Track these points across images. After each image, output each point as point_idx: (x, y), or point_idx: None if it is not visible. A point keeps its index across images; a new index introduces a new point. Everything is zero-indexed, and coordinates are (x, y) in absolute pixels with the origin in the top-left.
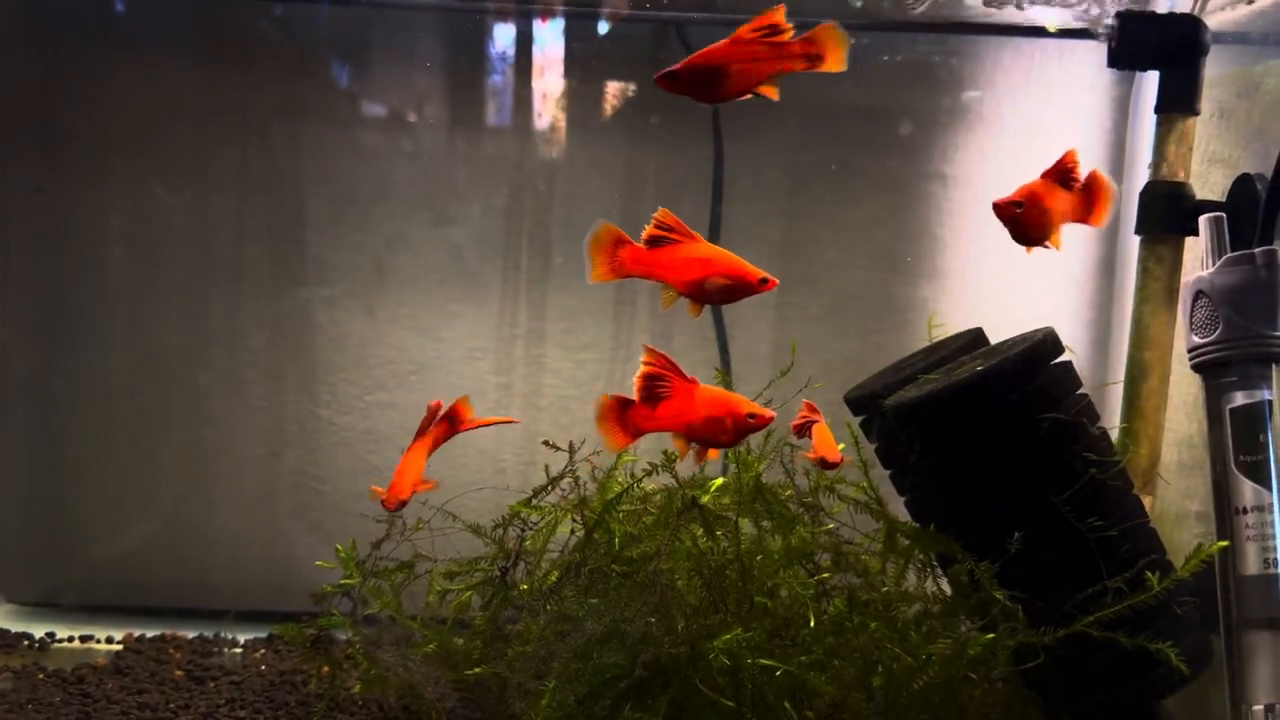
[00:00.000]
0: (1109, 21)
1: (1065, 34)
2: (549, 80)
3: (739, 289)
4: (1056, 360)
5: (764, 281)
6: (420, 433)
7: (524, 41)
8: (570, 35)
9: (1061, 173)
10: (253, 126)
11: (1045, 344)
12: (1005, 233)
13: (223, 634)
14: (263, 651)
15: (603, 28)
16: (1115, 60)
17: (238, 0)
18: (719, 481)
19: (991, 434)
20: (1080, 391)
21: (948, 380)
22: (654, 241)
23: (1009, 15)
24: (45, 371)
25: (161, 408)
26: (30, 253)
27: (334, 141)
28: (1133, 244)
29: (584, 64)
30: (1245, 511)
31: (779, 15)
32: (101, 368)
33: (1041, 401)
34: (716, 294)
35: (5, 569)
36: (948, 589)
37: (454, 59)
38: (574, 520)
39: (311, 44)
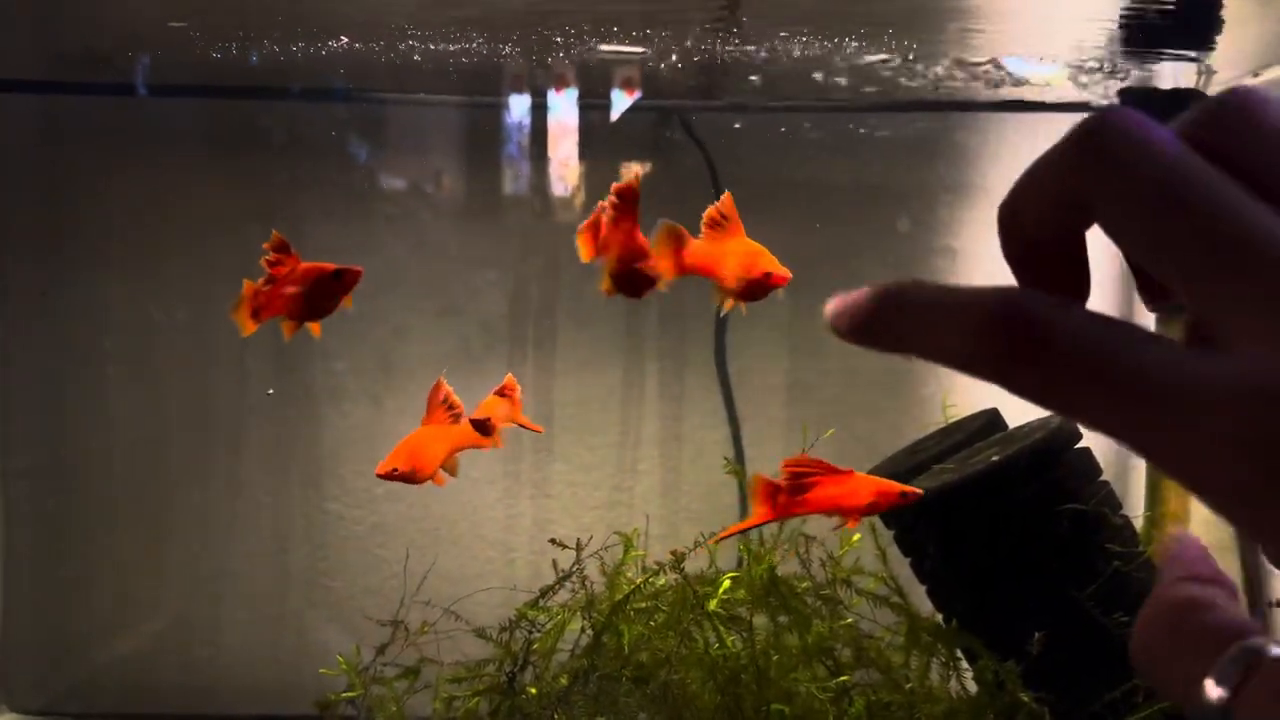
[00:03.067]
0: (1112, 98)
1: (1069, 108)
2: (553, 170)
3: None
4: (1074, 447)
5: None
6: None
7: (528, 132)
8: (576, 122)
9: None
10: (256, 222)
11: (1063, 431)
12: None
13: None
14: None
15: (614, 114)
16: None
17: (238, 98)
18: (727, 581)
19: (1009, 527)
20: (1101, 479)
21: (963, 471)
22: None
23: (1013, 91)
24: (47, 477)
25: (166, 506)
26: (33, 354)
27: (338, 235)
28: (1150, 319)
29: (588, 152)
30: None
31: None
32: (105, 468)
33: (1060, 492)
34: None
35: (9, 676)
36: (973, 685)
37: (459, 151)
38: (583, 620)
39: (314, 140)
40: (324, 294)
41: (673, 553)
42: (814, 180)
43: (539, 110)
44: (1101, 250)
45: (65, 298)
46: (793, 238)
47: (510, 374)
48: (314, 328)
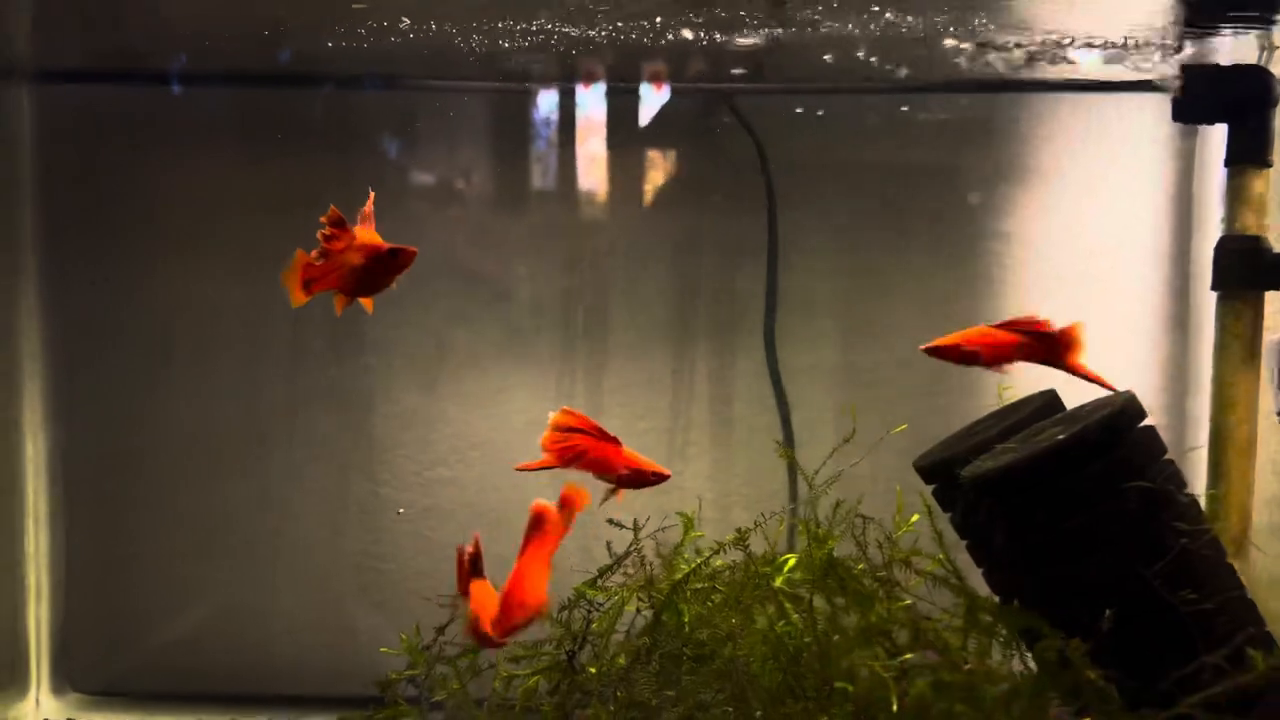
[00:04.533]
0: (1173, 74)
1: (1126, 86)
2: (604, 153)
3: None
4: (1139, 425)
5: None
6: (530, 541)
7: (577, 115)
8: (624, 107)
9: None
10: (307, 209)
11: (1128, 409)
12: (1073, 289)
13: None
14: None
15: (661, 98)
16: (1181, 114)
17: (285, 86)
18: (792, 559)
19: (1075, 505)
20: (1166, 457)
21: (1027, 450)
22: None
23: (1067, 70)
24: (107, 464)
25: (222, 492)
26: (90, 346)
27: (390, 220)
28: (1207, 300)
29: (638, 135)
30: None
31: None
32: (161, 455)
33: (1126, 470)
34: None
35: (71, 658)
36: (1033, 665)
37: (508, 135)
38: (640, 600)
39: (362, 126)
40: (378, 271)
41: (738, 530)
42: (865, 163)
43: (588, 98)
44: (1150, 297)
45: (119, 288)
46: (844, 222)
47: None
48: (367, 303)
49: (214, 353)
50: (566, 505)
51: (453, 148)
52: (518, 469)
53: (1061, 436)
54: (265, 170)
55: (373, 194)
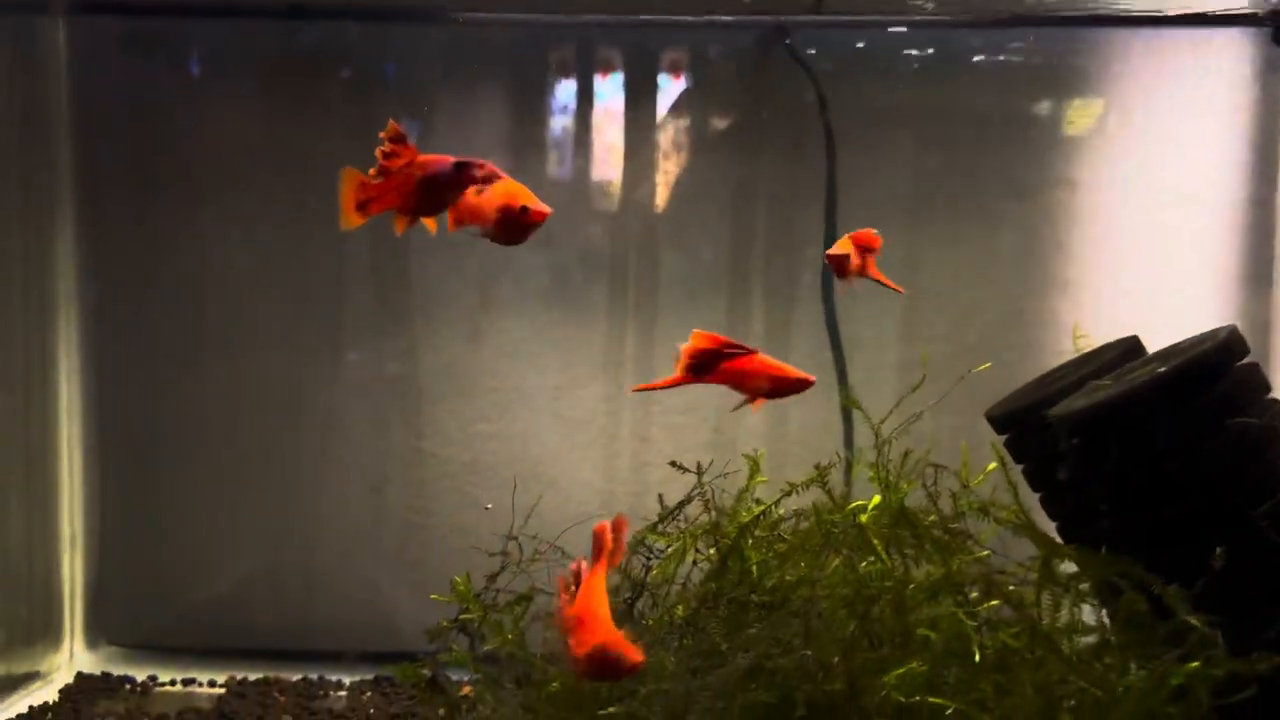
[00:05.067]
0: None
1: (1220, 20)
2: (655, 95)
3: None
4: (1242, 361)
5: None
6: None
7: (628, 55)
8: (677, 47)
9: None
10: (349, 155)
11: (1232, 343)
12: (1144, 240)
13: (326, 676)
14: (369, 694)
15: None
16: None
17: (326, 32)
18: (875, 500)
19: (1177, 442)
20: (1270, 396)
21: (1124, 385)
22: None
23: (1147, 2)
24: (142, 411)
25: (260, 446)
26: (126, 287)
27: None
28: None
29: (691, 77)
30: None
31: None
32: (200, 406)
33: (1233, 404)
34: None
35: (107, 612)
36: (1107, 623)
37: (556, 76)
38: (698, 550)
39: (406, 71)
40: (441, 187)
41: (816, 466)
42: (929, 107)
43: (637, 31)
44: (1231, 247)
45: (158, 227)
46: (906, 167)
47: None
48: (429, 223)
49: (254, 299)
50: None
51: (501, 89)
52: (637, 389)
53: (1163, 369)
54: (311, 109)
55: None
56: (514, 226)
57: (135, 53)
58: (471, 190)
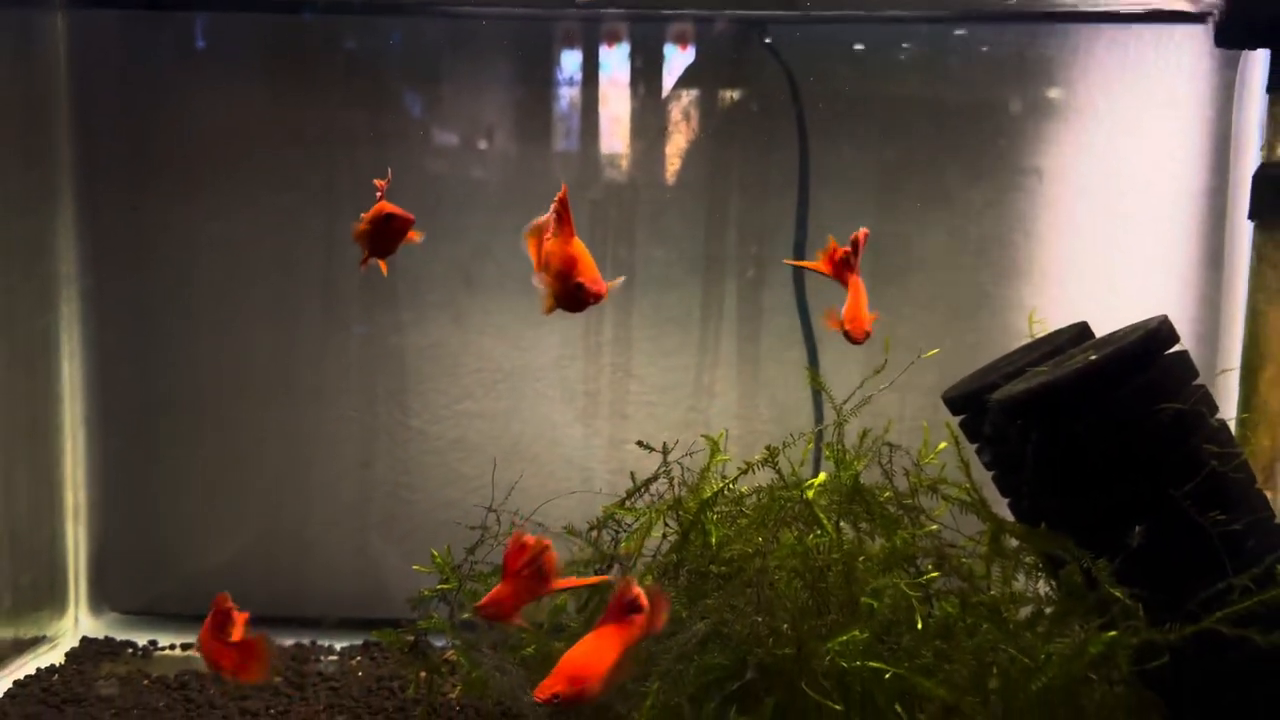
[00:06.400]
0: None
1: (1165, 16)
2: (632, 86)
3: None
4: (1172, 349)
5: None
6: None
7: (607, 47)
8: (653, 39)
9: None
10: (338, 143)
11: (1161, 332)
12: (1105, 228)
13: (318, 641)
14: (359, 659)
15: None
16: (1223, 38)
17: (318, 21)
18: (822, 477)
19: (1107, 426)
20: (1197, 381)
21: (1059, 371)
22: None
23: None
24: (141, 388)
25: (254, 422)
26: (124, 270)
27: (418, 154)
28: (1243, 234)
29: (668, 68)
30: None
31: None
32: (195, 383)
33: (1159, 391)
34: None
35: (109, 579)
36: (1054, 594)
37: (534, 67)
38: (666, 524)
39: (392, 60)
40: (385, 235)
41: (767, 448)
42: (899, 98)
43: (618, 24)
44: (1185, 232)
45: (154, 213)
46: (876, 155)
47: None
48: (382, 265)
49: (247, 282)
50: (656, 604)
51: (483, 81)
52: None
53: (1094, 357)
54: (303, 99)
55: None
56: (570, 298)
57: (132, 43)
58: (547, 241)
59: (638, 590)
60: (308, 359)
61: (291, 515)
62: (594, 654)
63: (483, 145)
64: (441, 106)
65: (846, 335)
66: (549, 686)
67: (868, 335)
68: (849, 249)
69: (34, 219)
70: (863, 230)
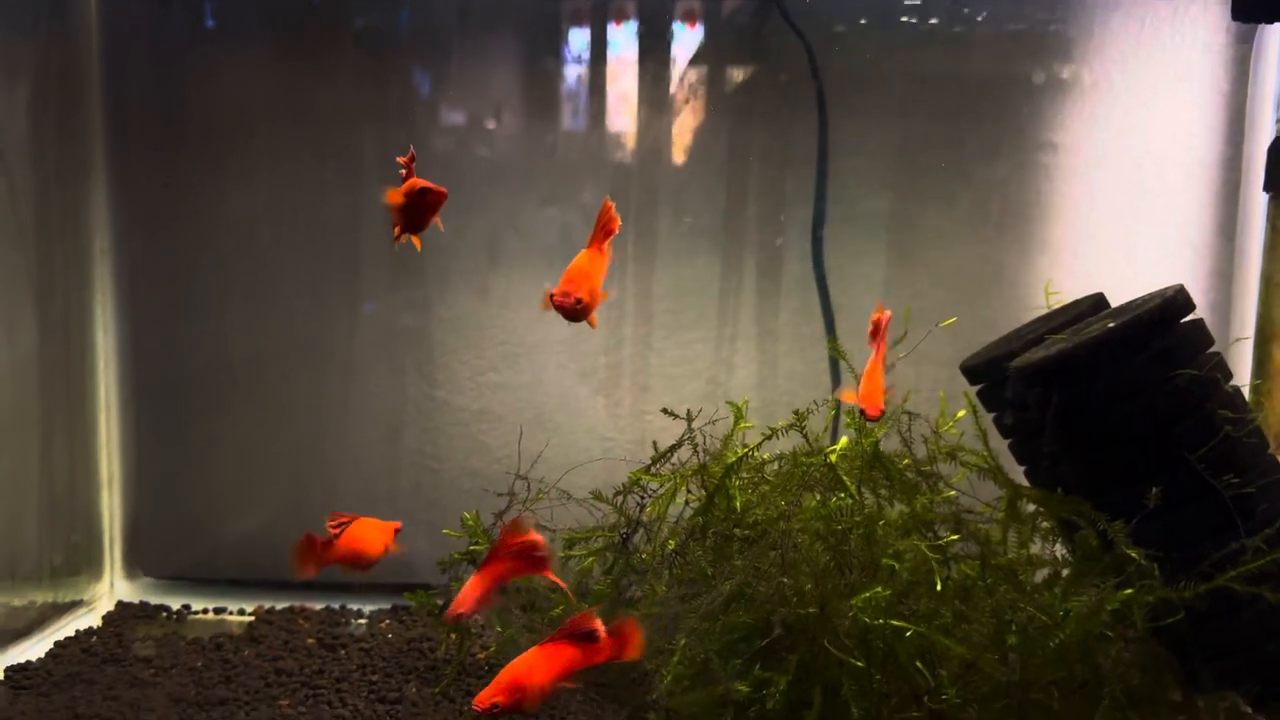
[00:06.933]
0: None
1: None
2: (653, 62)
3: None
4: (1188, 317)
5: None
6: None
7: (616, 25)
8: (672, 12)
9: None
10: (368, 118)
11: (1178, 300)
12: (1120, 201)
13: (348, 606)
14: (388, 622)
15: (704, 4)
16: (1239, 11)
17: None
18: (844, 442)
19: (1124, 391)
20: (1212, 349)
21: (1078, 338)
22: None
23: None
24: (174, 359)
25: (283, 393)
26: (157, 244)
27: (446, 128)
28: (1257, 205)
29: (687, 44)
30: None
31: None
32: (226, 354)
33: (1175, 358)
34: None
35: (143, 545)
36: (1069, 559)
37: (552, 42)
38: (689, 490)
39: (420, 34)
40: (418, 209)
41: (795, 412)
42: (917, 73)
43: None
44: (1199, 204)
45: (187, 187)
46: (894, 130)
47: None
48: (415, 240)
49: (277, 253)
50: (628, 636)
51: (510, 56)
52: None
53: (1112, 325)
54: (332, 79)
55: (412, 149)
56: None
57: (164, 17)
58: None
59: (597, 624)
60: (337, 331)
61: (320, 484)
62: (537, 668)
63: (507, 121)
64: (469, 79)
65: (861, 413)
66: (488, 696)
67: (882, 413)
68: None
69: (69, 193)
70: (885, 314)
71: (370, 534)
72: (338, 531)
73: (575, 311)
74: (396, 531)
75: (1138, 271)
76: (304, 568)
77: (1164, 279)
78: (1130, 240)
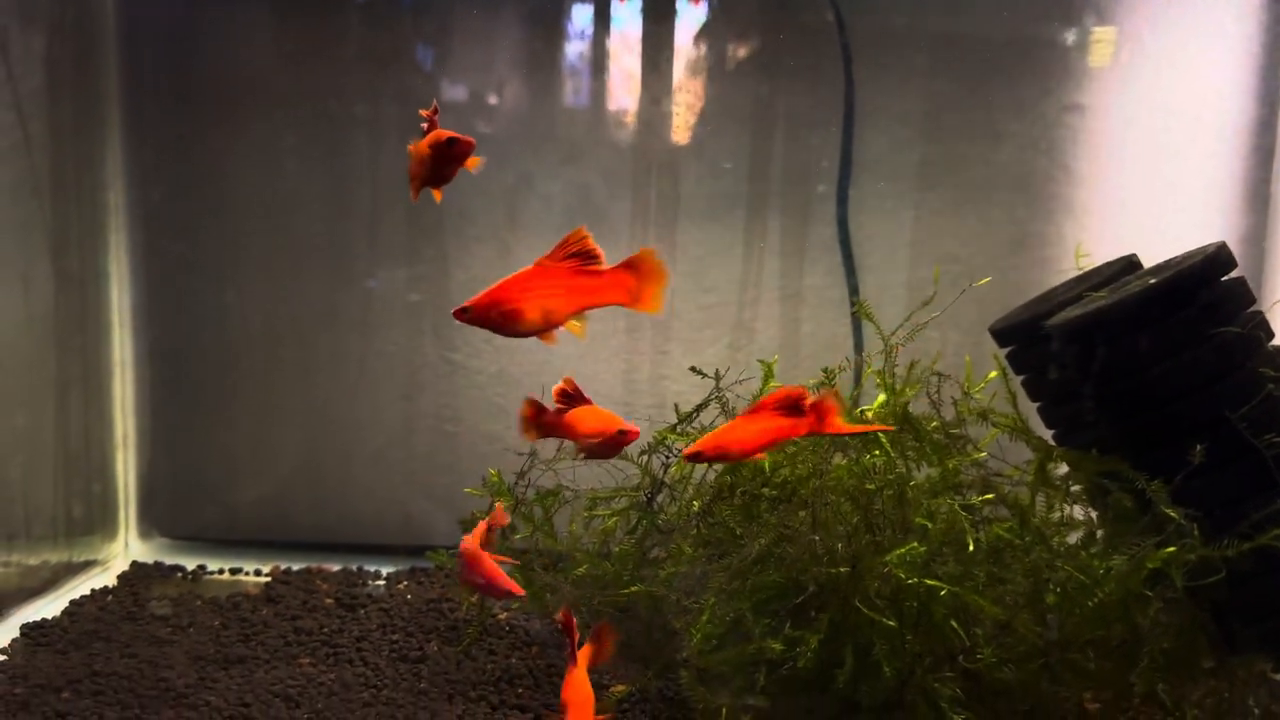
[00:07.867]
0: None
1: None
2: (678, 19)
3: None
4: (1230, 275)
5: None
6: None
7: None
8: None
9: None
10: (385, 75)
11: (1220, 255)
12: (1149, 163)
13: (365, 567)
14: (405, 583)
15: None
16: None
17: None
18: (880, 400)
19: (1166, 348)
20: (1254, 308)
21: (1117, 296)
22: None
23: None
24: (189, 318)
25: (299, 353)
26: (171, 201)
27: (465, 84)
28: None
29: (712, 3)
30: None
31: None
32: (243, 315)
33: (1218, 314)
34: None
35: (158, 506)
36: (1100, 521)
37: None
38: None
39: None
40: (442, 161)
41: (824, 370)
42: (944, 33)
43: None
44: (1230, 171)
45: (200, 144)
46: (922, 89)
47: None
48: (435, 193)
49: (293, 215)
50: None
51: (530, 12)
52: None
53: (1154, 281)
54: (348, 35)
55: (435, 102)
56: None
57: None
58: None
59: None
60: (352, 292)
61: (336, 446)
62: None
63: (526, 76)
64: (487, 35)
65: None
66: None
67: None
68: None
69: (84, 149)
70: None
71: (594, 419)
72: (564, 407)
73: (466, 320)
74: (624, 435)
75: (1166, 235)
76: (527, 431)
77: (1193, 242)
78: (1159, 203)
